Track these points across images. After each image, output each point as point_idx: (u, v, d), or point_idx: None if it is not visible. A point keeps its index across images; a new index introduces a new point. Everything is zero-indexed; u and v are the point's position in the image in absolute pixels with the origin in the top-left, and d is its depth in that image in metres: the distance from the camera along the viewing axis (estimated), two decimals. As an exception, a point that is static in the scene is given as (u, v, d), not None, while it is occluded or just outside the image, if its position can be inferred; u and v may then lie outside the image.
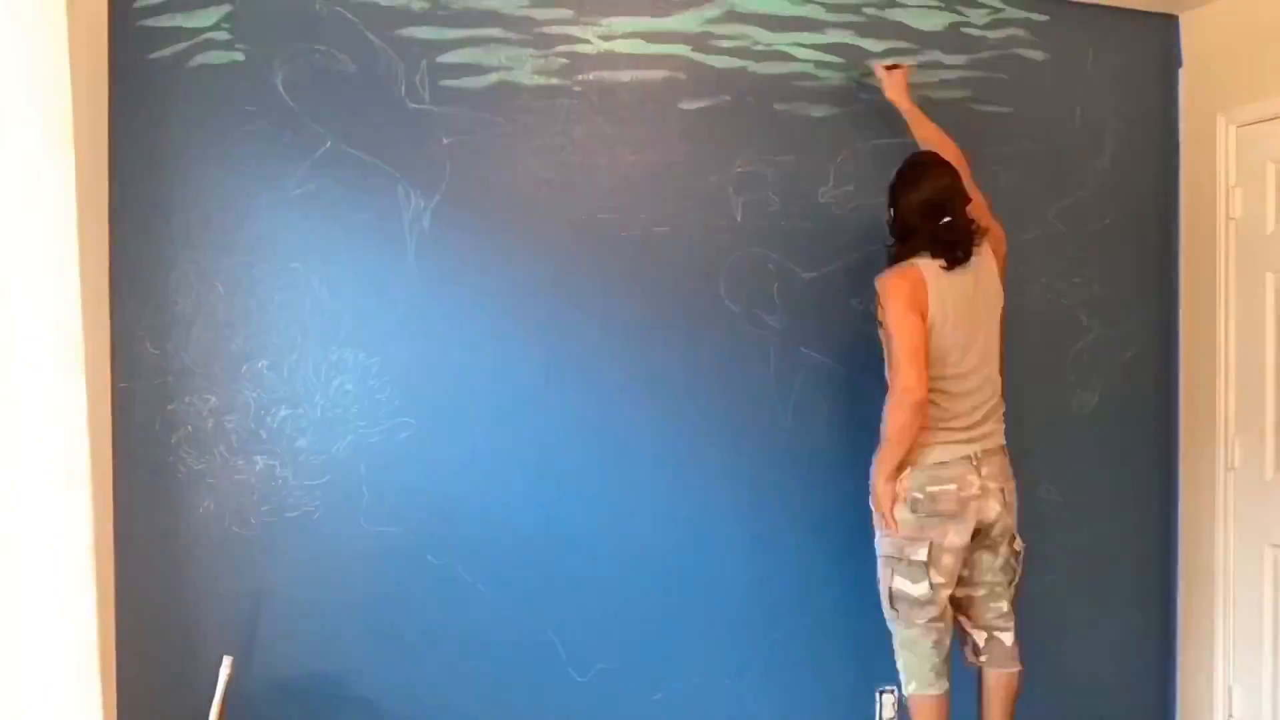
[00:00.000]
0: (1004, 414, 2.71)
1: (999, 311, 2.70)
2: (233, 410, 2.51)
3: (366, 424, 2.59)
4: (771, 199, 2.92)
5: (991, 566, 2.69)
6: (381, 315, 2.61)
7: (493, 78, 2.68)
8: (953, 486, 2.56)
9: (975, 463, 2.59)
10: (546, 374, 2.74)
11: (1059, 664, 3.24)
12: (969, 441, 2.60)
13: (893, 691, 3.06)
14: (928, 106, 3.01)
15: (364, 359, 2.59)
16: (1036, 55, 3.18)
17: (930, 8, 3.06)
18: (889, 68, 2.90)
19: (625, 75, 2.79)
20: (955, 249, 2.56)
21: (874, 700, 3.05)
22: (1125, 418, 3.30)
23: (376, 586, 2.62)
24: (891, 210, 2.66)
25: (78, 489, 2.22)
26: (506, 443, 2.71)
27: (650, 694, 2.84)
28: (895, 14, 3.02)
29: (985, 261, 2.66)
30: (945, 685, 2.66)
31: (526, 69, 2.71)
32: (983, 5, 3.12)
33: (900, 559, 2.60)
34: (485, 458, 2.69)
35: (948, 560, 2.58)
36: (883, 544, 2.66)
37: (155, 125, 2.45)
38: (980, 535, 2.63)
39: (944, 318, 2.55)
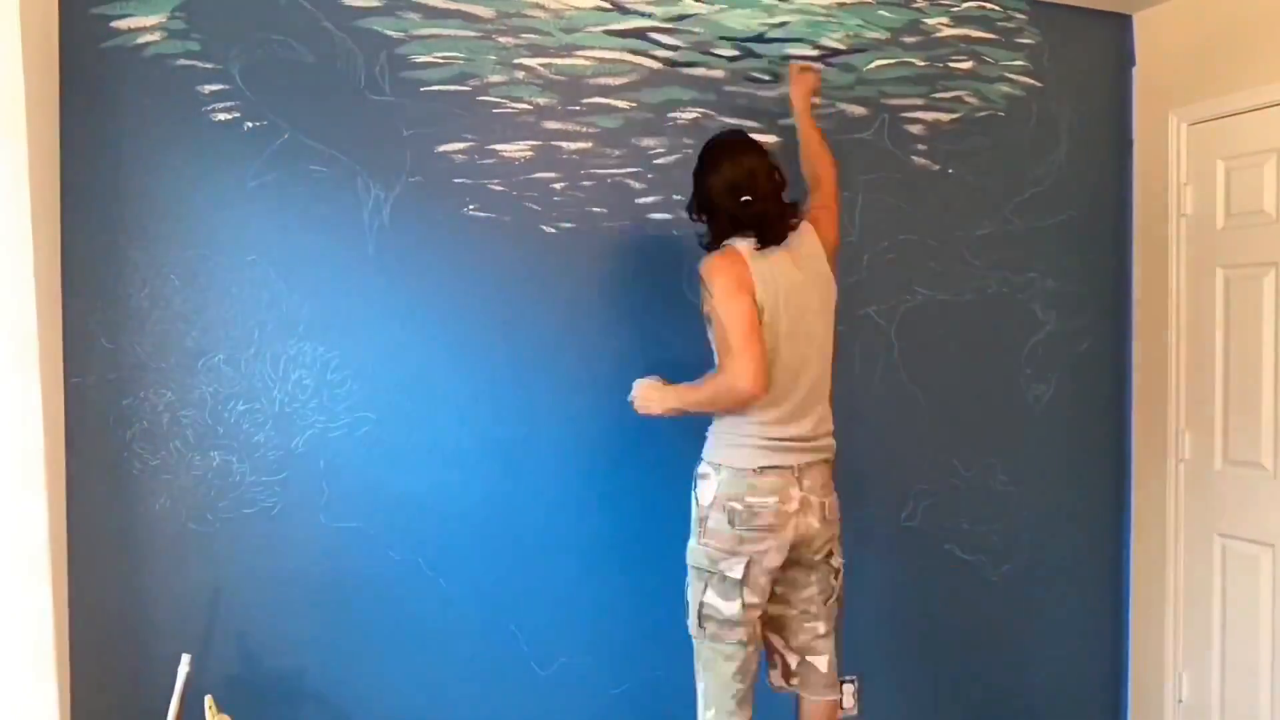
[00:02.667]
0: (832, 419, 2.49)
1: (831, 302, 2.48)
2: (189, 405, 2.48)
3: (325, 419, 2.57)
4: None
5: (808, 585, 2.47)
6: (341, 309, 2.58)
7: (454, 69, 2.67)
8: (773, 500, 2.33)
9: (797, 473, 2.37)
10: (508, 367, 2.73)
11: (1014, 650, 3.30)
12: (793, 448, 2.37)
13: (853, 681, 3.09)
14: (885, 100, 3.04)
15: (323, 353, 2.56)
16: (993, 52, 3.22)
17: (890, 3, 3.09)
18: (802, 69, 2.86)
19: (589, 67, 2.78)
20: (764, 227, 2.36)
21: (834, 690, 3.08)
22: (1079, 410, 3.36)
23: (337, 583, 2.59)
24: (694, 195, 2.47)
25: (32, 489, 2.19)
26: (468, 437, 2.70)
27: (612, 687, 2.85)
28: (854, 10, 3.04)
29: (808, 246, 2.45)
30: (747, 714, 2.43)
31: (488, 60, 2.69)
32: (941, 2, 3.15)
33: (714, 573, 2.36)
34: (447, 452, 2.68)
35: (763, 580, 2.37)
36: (694, 555, 2.41)
37: (108, 116, 2.41)
38: (797, 552, 2.40)
39: (771, 302, 2.33)
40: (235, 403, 2.51)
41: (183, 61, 2.45)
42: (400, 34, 2.62)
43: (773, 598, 2.45)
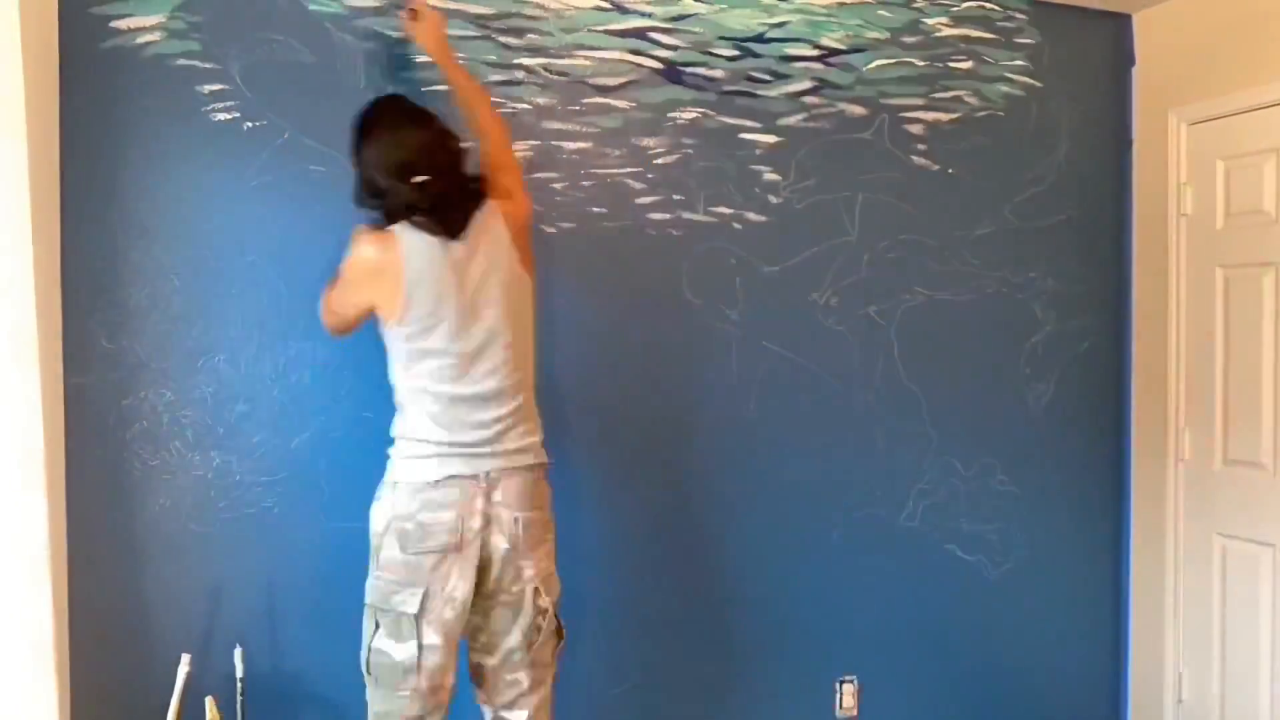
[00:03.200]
0: (536, 422, 2.20)
1: (516, 288, 2.19)
2: (189, 405, 2.48)
3: (326, 418, 2.57)
4: (733, 194, 2.93)
5: (509, 627, 2.11)
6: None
7: (453, 70, 2.66)
8: (450, 514, 2.02)
9: (484, 484, 2.07)
10: (508, 368, 2.73)
11: (1014, 650, 3.30)
12: (476, 455, 2.08)
13: (853, 681, 3.09)
14: (885, 100, 3.04)
15: (323, 353, 2.56)
16: (993, 52, 3.22)
17: (890, 3, 3.09)
18: (414, 12, 2.47)
19: (589, 67, 2.78)
20: (439, 214, 2.11)
21: (833, 690, 3.09)
22: (1079, 410, 3.36)
23: (337, 583, 2.58)
24: (356, 171, 2.21)
25: (33, 489, 2.19)
26: (468, 437, 2.70)
27: (610, 688, 2.85)
28: (854, 9, 3.04)
29: (490, 229, 2.17)
30: None
31: (488, 60, 2.69)
32: (941, 2, 3.15)
33: (386, 610, 2.04)
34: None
35: (448, 614, 2.03)
36: (369, 590, 2.12)
37: (108, 116, 2.40)
38: (489, 582, 2.09)
39: (427, 295, 2.07)
40: (235, 403, 2.51)
41: (182, 61, 2.45)
42: (400, 34, 2.61)
43: (475, 646, 2.17)
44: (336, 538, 2.58)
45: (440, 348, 2.11)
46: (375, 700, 2.11)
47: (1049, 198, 3.30)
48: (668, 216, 2.87)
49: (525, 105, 2.73)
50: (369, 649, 2.08)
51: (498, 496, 2.08)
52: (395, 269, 2.09)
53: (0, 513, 2.17)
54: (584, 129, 2.78)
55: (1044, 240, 3.30)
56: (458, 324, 2.11)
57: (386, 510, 2.10)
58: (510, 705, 2.17)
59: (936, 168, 3.16)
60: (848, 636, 3.10)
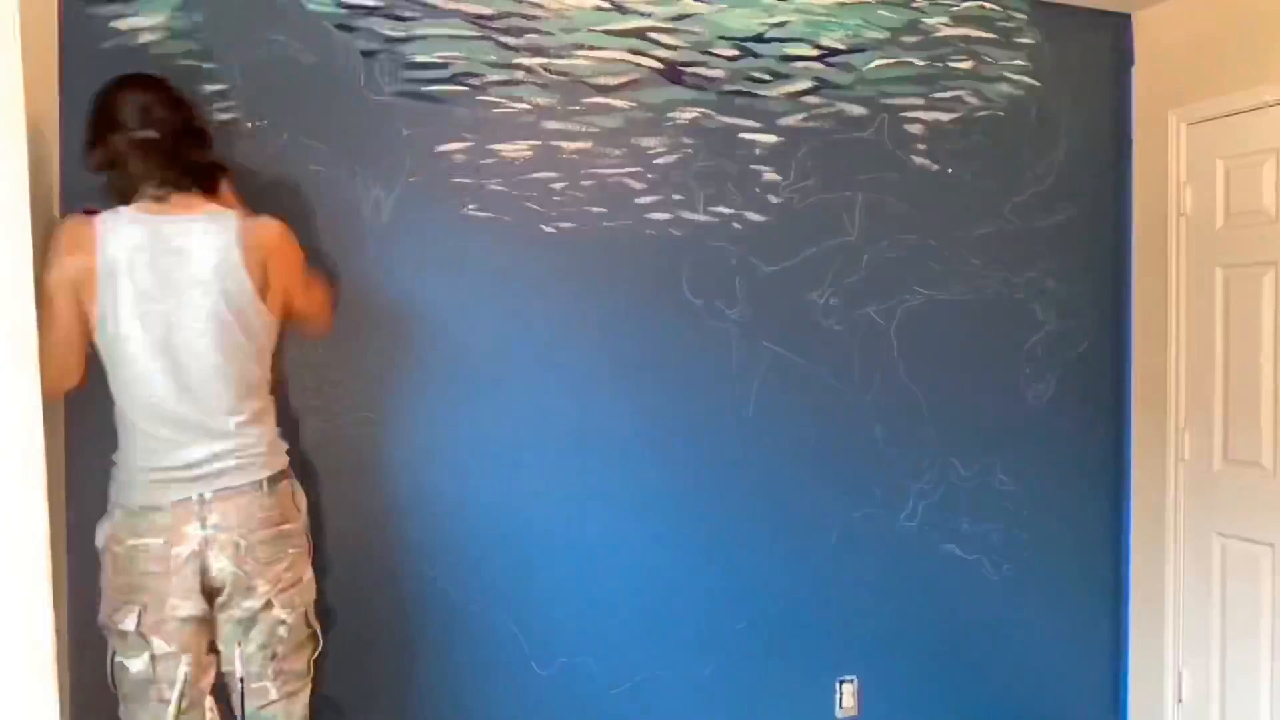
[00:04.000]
0: (265, 437, 2.09)
1: (241, 296, 2.03)
2: (189, 405, 2.47)
3: (325, 419, 2.57)
4: (733, 193, 2.93)
5: (244, 640, 2.06)
6: (340, 309, 2.58)
7: (454, 69, 2.67)
8: (159, 541, 1.96)
9: (199, 507, 1.98)
10: (506, 367, 2.73)
11: (1014, 649, 3.30)
12: (190, 479, 1.98)
13: (853, 681, 3.09)
14: (885, 100, 3.05)
15: (322, 352, 2.56)
16: (993, 52, 3.22)
17: (890, 3, 3.09)
18: None
19: (588, 67, 2.78)
20: (149, 176, 1.97)
21: (833, 690, 3.09)
22: (1079, 409, 3.36)
23: (335, 583, 2.59)
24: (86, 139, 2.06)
25: (33, 489, 2.18)
26: (468, 437, 2.70)
27: (612, 687, 2.85)
28: (854, 9, 3.04)
29: (223, 234, 2.01)
30: None
31: (488, 60, 2.69)
32: (941, 2, 3.15)
33: (112, 629, 2.01)
34: (446, 452, 2.68)
35: (172, 624, 1.98)
36: (100, 606, 2.07)
37: (108, 115, 2.40)
38: (223, 599, 2.03)
39: (126, 295, 1.93)
40: (235, 403, 2.50)
41: (183, 61, 2.45)
42: (400, 34, 2.62)
43: (218, 655, 2.11)
44: (335, 538, 2.58)
45: (152, 362, 2.00)
46: (125, 715, 2.07)
47: (1049, 197, 3.30)
48: (668, 216, 2.87)
49: (525, 105, 2.73)
50: (110, 665, 2.05)
51: (214, 519, 1.99)
52: (90, 253, 1.95)
53: (0, 512, 2.16)
54: (584, 129, 2.78)
55: (1044, 240, 3.30)
56: (168, 331, 1.99)
57: (104, 531, 2.06)
58: (259, 715, 2.11)
59: (936, 167, 3.16)
60: (848, 636, 3.10)
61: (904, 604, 3.16)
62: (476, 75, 2.68)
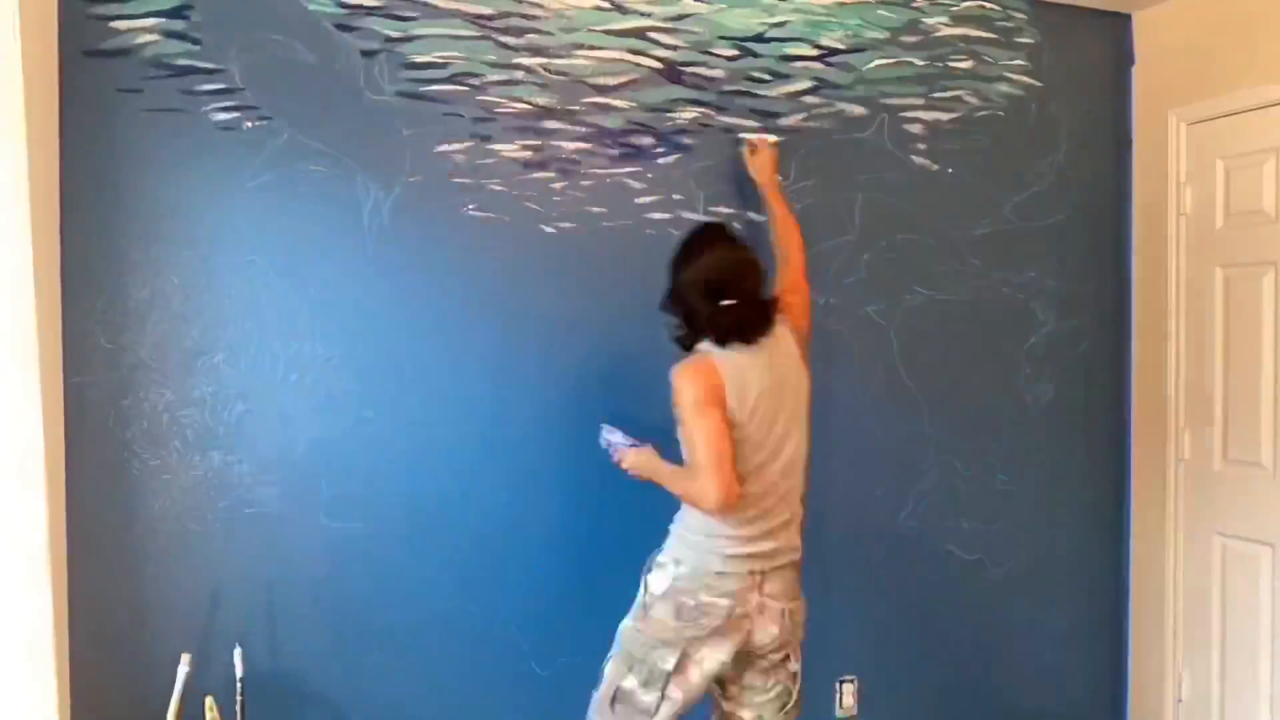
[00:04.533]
0: (800, 524, 2.37)
1: (804, 404, 2.37)
2: (189, 405, 2.48)
3: (325, 418, 2.57)
4: (732, 194, 2.93)
5: (763, 689, 2.36)
6: (341, 308, 2.58)
7: (454, 69, 2.66)
8: (727, 603, 2.23)
9: (759, 578, 2.26)
10: (508, 368, 2.73)
11: (1014, 649, 3.30)
12: (755, 555, 2.26)
13: (853, 681, 3.09)
14: (885, 100, 3.05)
15: (323, 352, 2.56)
16: (992, 52, 3.22)
17: (890, 3, 3.09)
18: (752, 148, 2.83)
19: (588, 67, 2.78)
20: (741, 332, 2.26)
21: (834, 690, 3.09)
22: (1079, 409, 3.36)
23: (337, 583, 2.59)
24: (671, 289, 2.36)
25: (32, 488, 2.18)
26: (469, 437, 2.70)
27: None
28: (854, 9, 3.04)
29: (782, 345, 2.34)
30: None
31: (488, 60, 2.69)
32: (941, 2, 3.15)
33: (643, 662, 2.27)
34: (448, 451, 2.68)
35: (695, 679, 2.26)
36: (627, 637, 2.33)
37: (108, 116, 2.40)
38: (749, 655, 2.31)
39: (745, 414, 2.23)
40: (235, 403, 2.51)
41: (182, 61, 2.45)
42: (400, 34, 2.62)
43: (727, 695, 2.39)
44: (335, 538, 2.59)
45: (752, 458, 2.24)
46: None
47: (1049, 197, 3.30)
48: (667, 216, 2.87)
49: (525, 105, 2.73)
50: (615, 687, 2.30)
51: (768, 588, 2.27)
52: (719, 381, 2.22)
53: (0, 512, 2.16)
54: (584, 128, 2.78)
55: (1044, 240, 3.30)
56: (765, 434, 2.26)
57: (667, 579, 2.28)
58: None
59: (936, 167, 3.16)
60: (848, 636, 3.10)
61: (904, 604, 3.16)
62: (476, 75, 2.68)
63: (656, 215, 2.86)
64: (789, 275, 2.61)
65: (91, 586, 2.42)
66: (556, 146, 2.76)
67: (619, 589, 2.83)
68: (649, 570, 2.34)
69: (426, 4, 2.64)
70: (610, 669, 2.34)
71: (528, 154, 2.74)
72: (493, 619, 2.73)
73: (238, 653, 2.36)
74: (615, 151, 2.81)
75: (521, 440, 2.75)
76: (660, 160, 2.86)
